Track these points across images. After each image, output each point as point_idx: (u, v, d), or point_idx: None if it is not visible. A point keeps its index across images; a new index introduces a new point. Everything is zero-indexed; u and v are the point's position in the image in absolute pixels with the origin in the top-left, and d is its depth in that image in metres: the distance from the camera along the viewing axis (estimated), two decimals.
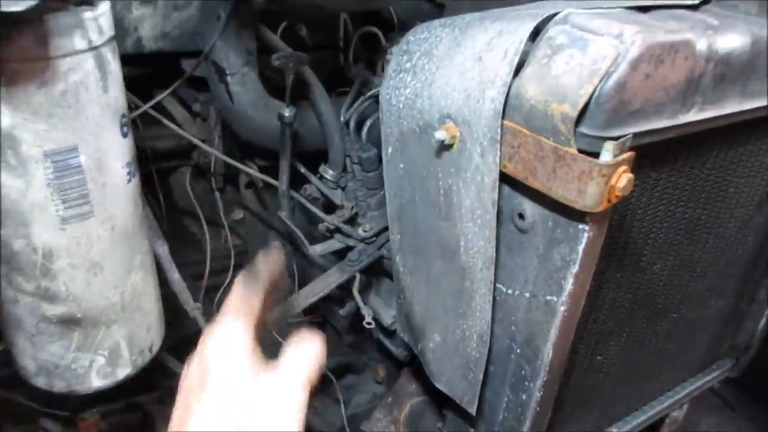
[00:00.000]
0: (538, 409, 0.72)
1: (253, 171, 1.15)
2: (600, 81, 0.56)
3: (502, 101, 0.62)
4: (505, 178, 0.65)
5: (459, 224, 0.71)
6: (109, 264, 0.67)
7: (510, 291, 0.70)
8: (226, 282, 1.23)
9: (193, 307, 0.93)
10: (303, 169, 1.12)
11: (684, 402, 1.08)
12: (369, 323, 0.85)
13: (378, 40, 1.23)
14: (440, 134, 0.67)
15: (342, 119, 1.11)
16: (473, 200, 0.68)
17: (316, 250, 1.05)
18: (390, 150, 0.79)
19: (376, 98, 1.12)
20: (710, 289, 0.95)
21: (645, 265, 0.78)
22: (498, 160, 0.64)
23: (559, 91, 0.58)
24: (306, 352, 0.51)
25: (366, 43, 1.26)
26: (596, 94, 0.56)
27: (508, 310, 0.71)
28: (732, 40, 0.65)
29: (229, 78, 1.05)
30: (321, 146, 1.16)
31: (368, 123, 1.06)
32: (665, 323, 0.91)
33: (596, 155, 0.56)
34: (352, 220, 1.07)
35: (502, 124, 0.62)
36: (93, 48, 0.58)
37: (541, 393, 0.71)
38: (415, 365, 1.14)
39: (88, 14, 0.57)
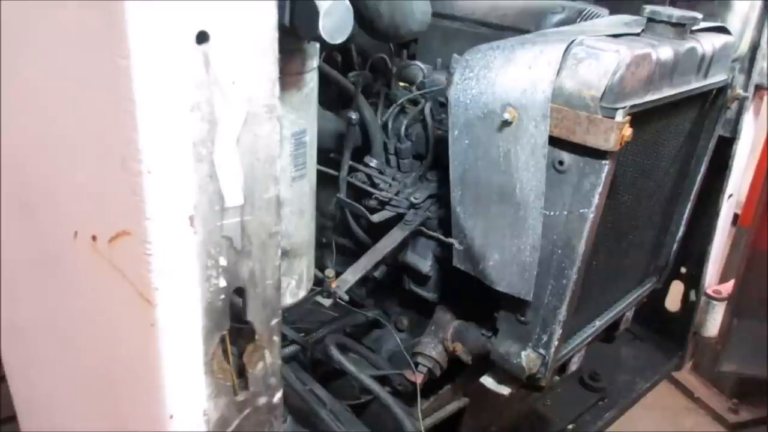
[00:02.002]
0: (573, 287, 1.13)
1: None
2: (611, 76, 0.99)
3: (550, 91, 1.03)
4: (549, 140, 1.06)
5: (515, 174, 1.11)
6: (306, 212, 1.00)
7: (551, 213, 1.11)
8: None
9: None
10: (350, 162, 1.47)
11: (633, 305, 1.55)
12: (458, 247, 1.21)
13: (386, 63, 1.62)
14: (507, 115, 1.07)
15: (379, 122, 1.48)
16: (527, 157, 1.09)
17: (375, 218, 1.40)
18: (456, 133, 1.18)
19: (402, 106, 1.51)
20: (647, 220, 1.42)
21: (619, 196, 1.23)
22: (547, 128, 1.05)
23: (587, 83, 1.01)
24: None
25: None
26: (609, 83, 0.99)
27: (550, 227, 1.12)
28: (665, 52, 1.11)
29: None
30: (359, 144, 1.53)
31: (405, 122, 1.44)
32: (624, 243, 1.37)
33: (612, 118, 0.99)
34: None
35: (549, 106, 1.03)
36: (317, 67, 0.93)
37: (576, 276, 1.12)
38: (445, 303, 1.51)
39: (317, 45, 0.91)
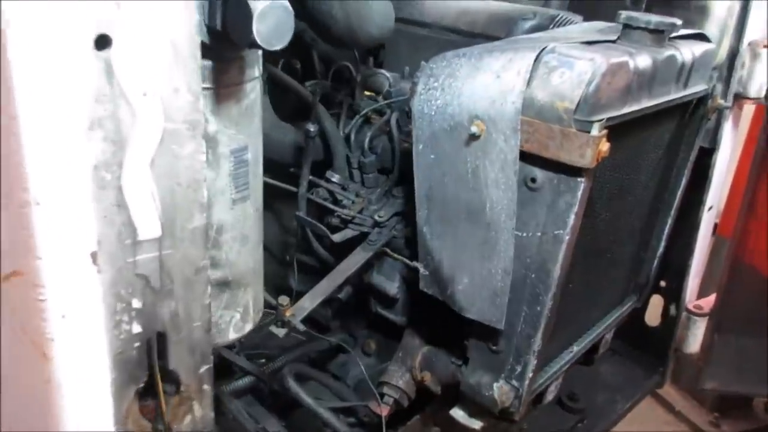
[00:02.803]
0: (549, 315, 1.04)
1: (271, 180, 1.37)
2: (586, 86, 0.91)
3: (521, 103, 0.94)
4: (520, 156, 0.97)
5: (484, 192, 1.02)
6: (252, 237, 0.89)
7: (524, 234, 1.02)
8: None
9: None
10: (311, 177, 1.37)
11: (612, 327, 1.46)
12: (423, 272, 1.11)
13: (350, 71, 1.52)
14: (474, 128, 0.98)
15: (342, 134, 1.38)
16: (497, 173, 1.00)
17: (336, 238, 1.30)
18: (421, 146, 1.08)
19: (366, 117, 1.41)
20: (626, 236, 1.34)
21: (596, 214, 1.14)
22: (518, 143, 0.96)
23: (559, 94, 0.92)
24: None
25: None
26: (584, 94, 0.91)
27: (523, 249, 1.03)
28: (643, 61, 1.03)
29: None
30: (319, 158, 1.42)
31: (369, 134, 1.34)
32: (603, 261, 1.28)
33: (588, 132, 0.90)
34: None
35: (520, 119, 0.94)
36: (259, 76, 0.82)
37: (551, 302, 1.03)
38: (413, 326, 1.41)
39: (260, 52, 0.81)
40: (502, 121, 0.96)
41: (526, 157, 0.97)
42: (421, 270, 1.12)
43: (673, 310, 2.05)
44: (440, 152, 1.06)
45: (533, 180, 0.98)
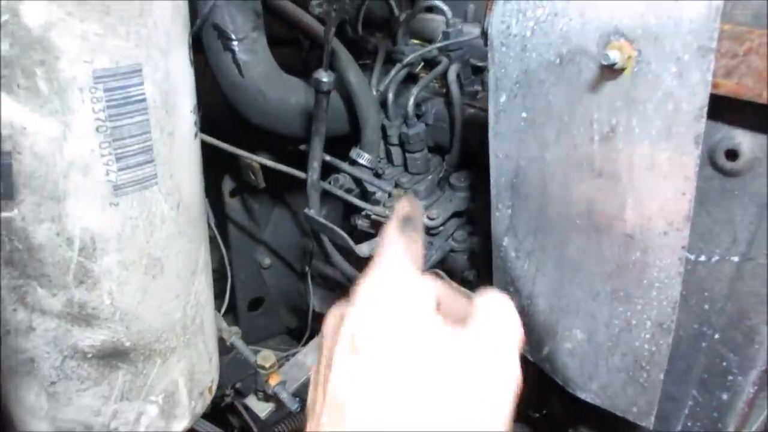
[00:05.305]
0: (746, 409, 0.56)
1: (272, 162, 0.92)
2: None
3: None
4: (710, 105, 0.49)
5: (626, 177, 0.55)
6: (172, 261, 0.45)
7: (702, 258, 0.54)
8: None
9: (230, 332, 0.70)
10: (329, 157, 0.92)
11: None
12: None
13: (390, 7, 1.06)
14: (612, 54, 0.51)
15: (375, 92, 0.93)
16: (656, 140, 0.52)
17: (363, 250, 0.85)
18: (504, 98, 0.62)
19: (410, 69, 0.96)
20: None
21: None
22: (708, 78, 0.48)
23: None
24: (504, 308, 0.37)
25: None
26: None
27: (697, 284, 0.55)
28: None
29: (236, 45, 0.84)
30: (340, 131, 0.97)
31: (415, 94, 0.88)
32: None
33: None
34: None
35: (718, 29, 0.47)
36: None
37: (756, 387, 0.55)
38: None
39: None
40: (674, 38, 0.49)
41: (721, 108, 0.49)
42: None
43: None
44: (539, 107, 0.59)
45: (732, 155, 0.51)
